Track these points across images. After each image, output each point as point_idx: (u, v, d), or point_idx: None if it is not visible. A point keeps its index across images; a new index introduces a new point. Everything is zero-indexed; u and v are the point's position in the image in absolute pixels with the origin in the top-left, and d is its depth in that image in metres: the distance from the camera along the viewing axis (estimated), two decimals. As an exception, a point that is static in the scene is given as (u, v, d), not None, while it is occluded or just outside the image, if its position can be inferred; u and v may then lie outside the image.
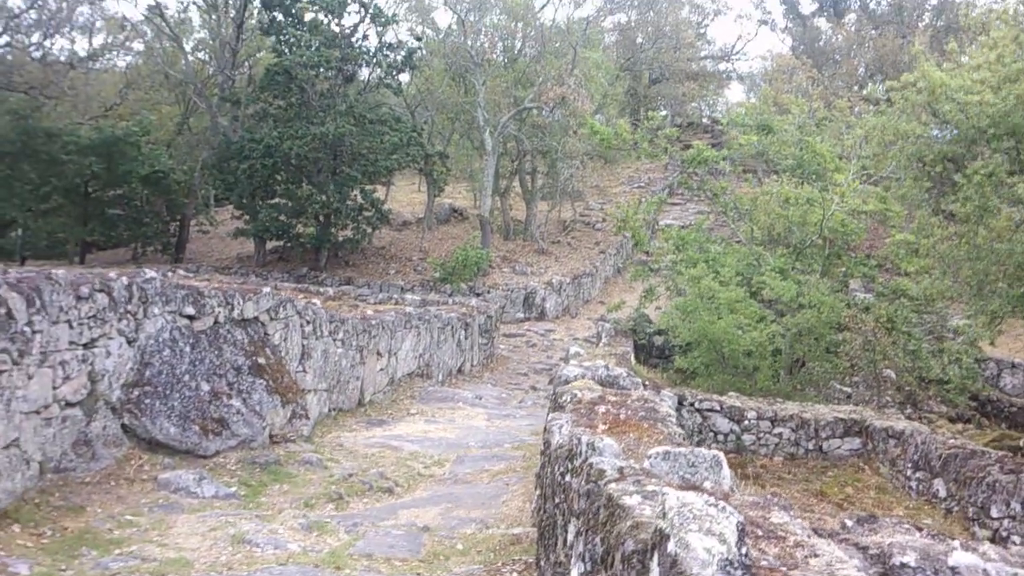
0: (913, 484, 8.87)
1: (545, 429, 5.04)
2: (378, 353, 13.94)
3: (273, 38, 27.68)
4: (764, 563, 2.10)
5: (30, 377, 6.27)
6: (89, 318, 6.97)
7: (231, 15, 30.62)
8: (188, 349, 8.32)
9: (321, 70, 26.95)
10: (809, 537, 2.25)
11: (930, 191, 13.64)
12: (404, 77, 32.24)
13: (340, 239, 28.79)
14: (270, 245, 31.04)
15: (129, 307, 7.54)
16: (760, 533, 2.31)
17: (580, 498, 3.16)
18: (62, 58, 33.27)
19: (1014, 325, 21.75)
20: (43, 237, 31.92)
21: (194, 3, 30.61)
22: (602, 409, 4.94)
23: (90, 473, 6.91)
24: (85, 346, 6.96)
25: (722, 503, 2.18)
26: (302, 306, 10.87)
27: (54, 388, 6.59)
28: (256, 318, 9.75)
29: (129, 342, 7.60)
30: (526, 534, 5.79)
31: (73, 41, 34.27)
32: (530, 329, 26.74)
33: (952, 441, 8.50)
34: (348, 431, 11.20)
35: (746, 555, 2.00)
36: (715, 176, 40.04)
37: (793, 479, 10.14)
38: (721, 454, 3.19)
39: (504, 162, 34.40)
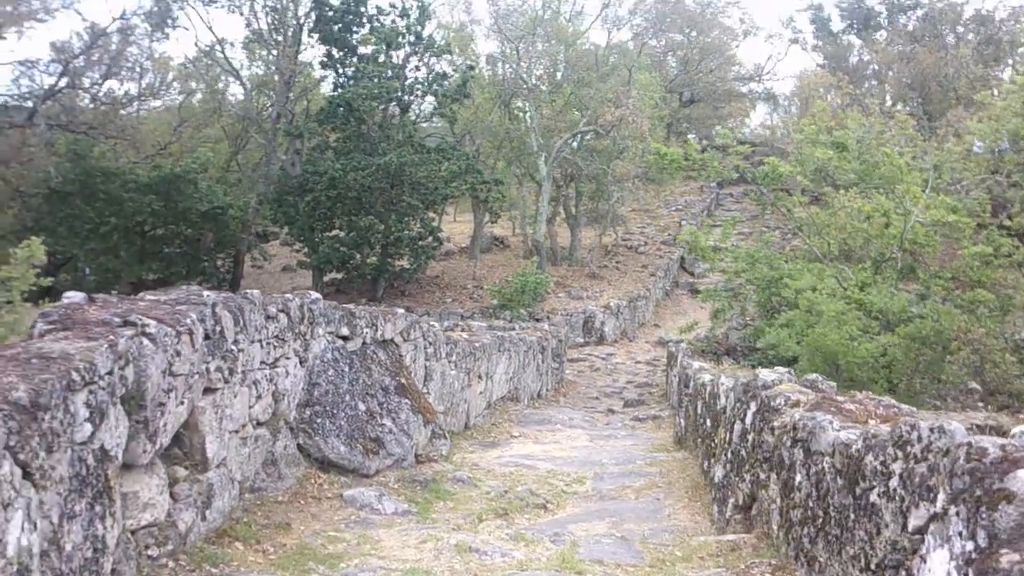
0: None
1: (794, 427, 5.04)
2: (479, 376, 14.02)
3: (331, 71, 28.19)
4: None
5: (235, 396, 6.37)
6: (274, 338, 7.08)
7: (284, 50, 31.20)
8: (347, 369, 8.44)
9: (380, 103, 27.36)
10: None
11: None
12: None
13: (397, 268, 29.05)
14: (327, 278, 31.34)
15: (301, 328, 7.67)
16: None
17: (954, 479, 3.18)
18: (113, 98, 33.99)
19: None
20: (99, 275, 32.33)
21: (253, 40, 31.12)
22: (848, 407, 4.96)
23: (279, 492, 6.99)
24: (271, 366, 7.07)
25: None
26: (426, 328, 10.99)
27: (249, 408, 6.69)
28: (392, 339, 9.87)
29: (300, 362, 7.71)
30: (742, 540, 5.78)
31: (123, 81, 34.76)
32: (591, 353, 26.76)
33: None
34: (469, 452, 11.24)
35: None
36: (760, 196, 39.51)
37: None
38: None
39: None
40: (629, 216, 42.25)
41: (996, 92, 36.60)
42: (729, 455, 6.87)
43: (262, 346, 6.86)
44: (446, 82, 30.47)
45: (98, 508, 4.25)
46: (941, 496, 3.28)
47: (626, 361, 26.52)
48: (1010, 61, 37.15)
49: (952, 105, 35.50)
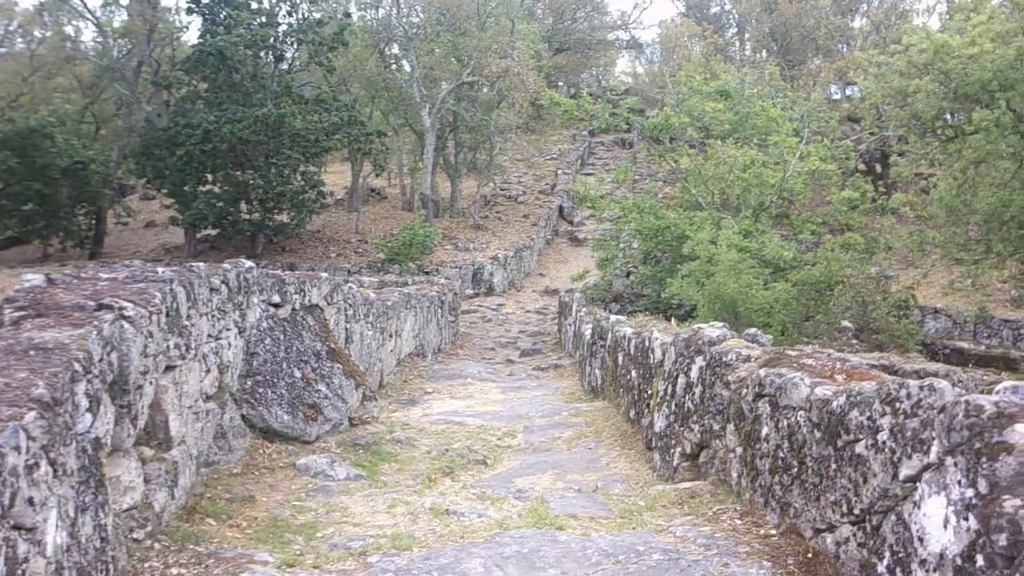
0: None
1: (759, 383, 5.40)
2: (390, 335, 14.02)
3: (199, 17, 26.69)
4: None
5: (190, 372, 6.22)
6: (216, 310, 6.91)
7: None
8: (281, 337, 8.31)
9: (253, 51, 26.18)
10: None
11: (928, 145, 14.71)
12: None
13: (277, 224, 28.22)
14: (200, 234, 30.07)
15: (238, 298, 7.49)
16: None
17: (952, 432, 3.50)
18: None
19: (936, 273, 23.53)
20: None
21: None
22: (807, 361, 5.36)
23: (230, 464, 6.90)
24: (215, 338, 6.90)
25: None
26: (346, 290, 10.89)
27: (200, 382, 6.53)
28: (318, 304, 9.76)
29: (239, 332, 7.55)
30: (697, 488, 6.17)
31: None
32: (481, 304, 27.06)
33: (986, 377, 9.43)
34: (393, 411, 11.31)
35: None
36: (623, 146, 41.00)
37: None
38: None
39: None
40: (507, 166, 42.52)
41: (849, 43, 38.84)
42: (673, 407, 7.26)
43: (207, 319, 6.68)
44: (320, 29, 29.45)
45: (100, 497, 4.13)
46: (935, 448, 3.63)
47: (516, 311, 26.97)
48: (864, 8, 39.36)
49: (811, 55, 37.38)
